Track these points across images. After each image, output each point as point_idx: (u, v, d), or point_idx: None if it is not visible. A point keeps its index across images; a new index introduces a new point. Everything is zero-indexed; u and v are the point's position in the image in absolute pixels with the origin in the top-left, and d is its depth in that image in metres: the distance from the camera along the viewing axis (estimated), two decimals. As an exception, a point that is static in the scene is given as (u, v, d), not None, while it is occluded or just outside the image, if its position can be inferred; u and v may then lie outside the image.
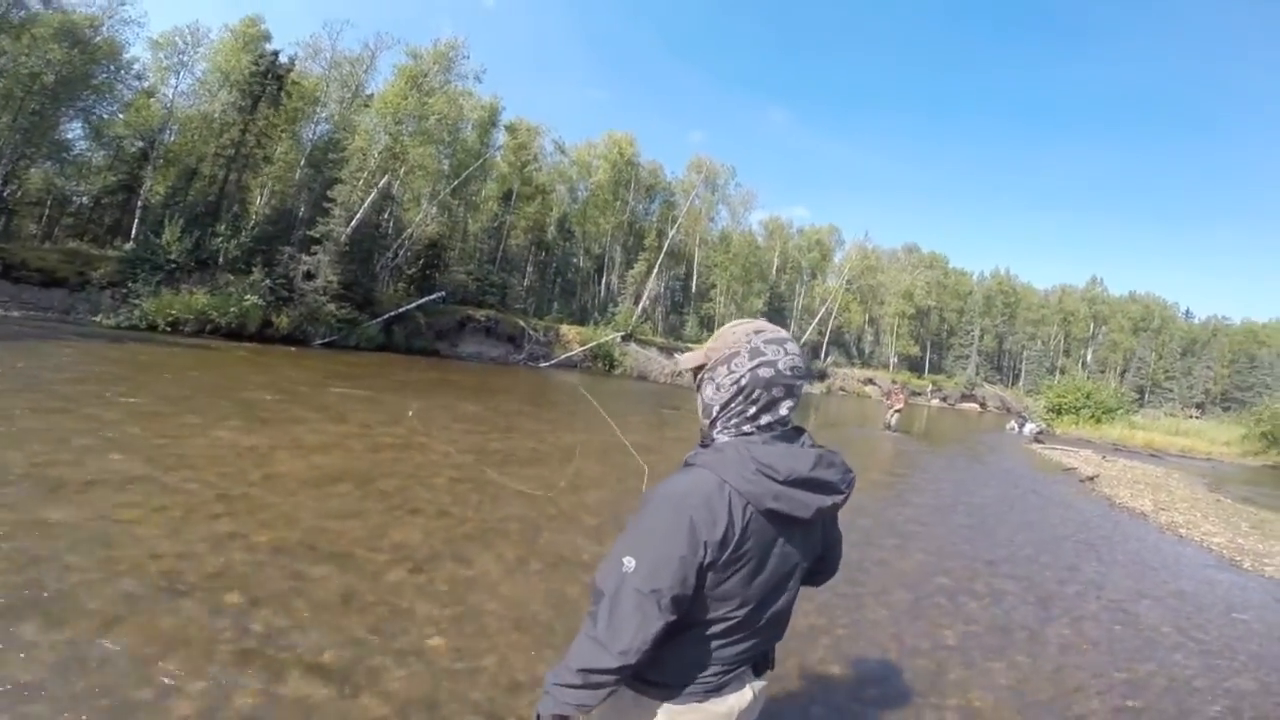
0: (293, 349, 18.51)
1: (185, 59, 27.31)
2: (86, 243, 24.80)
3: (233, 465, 5.36)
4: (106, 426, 5.95)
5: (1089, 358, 66.66)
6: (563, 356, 28.57)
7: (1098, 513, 8.79)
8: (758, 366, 1.17)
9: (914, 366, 56.19)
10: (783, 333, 1.24)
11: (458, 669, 2.74)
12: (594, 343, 29.99)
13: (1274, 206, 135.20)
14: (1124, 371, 64.67)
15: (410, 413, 9.47)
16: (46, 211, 28.29)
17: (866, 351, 57.10)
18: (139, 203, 25.89)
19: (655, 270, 40.06)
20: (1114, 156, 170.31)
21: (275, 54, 25.54)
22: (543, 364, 27.32)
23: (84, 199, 28.84)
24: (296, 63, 26.76)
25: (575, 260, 43.28)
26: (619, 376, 29.29)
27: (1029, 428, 25.06)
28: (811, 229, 54.86)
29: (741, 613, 1.15)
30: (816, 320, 49.55)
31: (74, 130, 25.86)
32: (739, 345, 1.20)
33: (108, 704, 2.19)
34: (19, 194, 24.94)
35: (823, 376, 45.14)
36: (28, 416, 5.94)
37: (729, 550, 1.08)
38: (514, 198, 35.63)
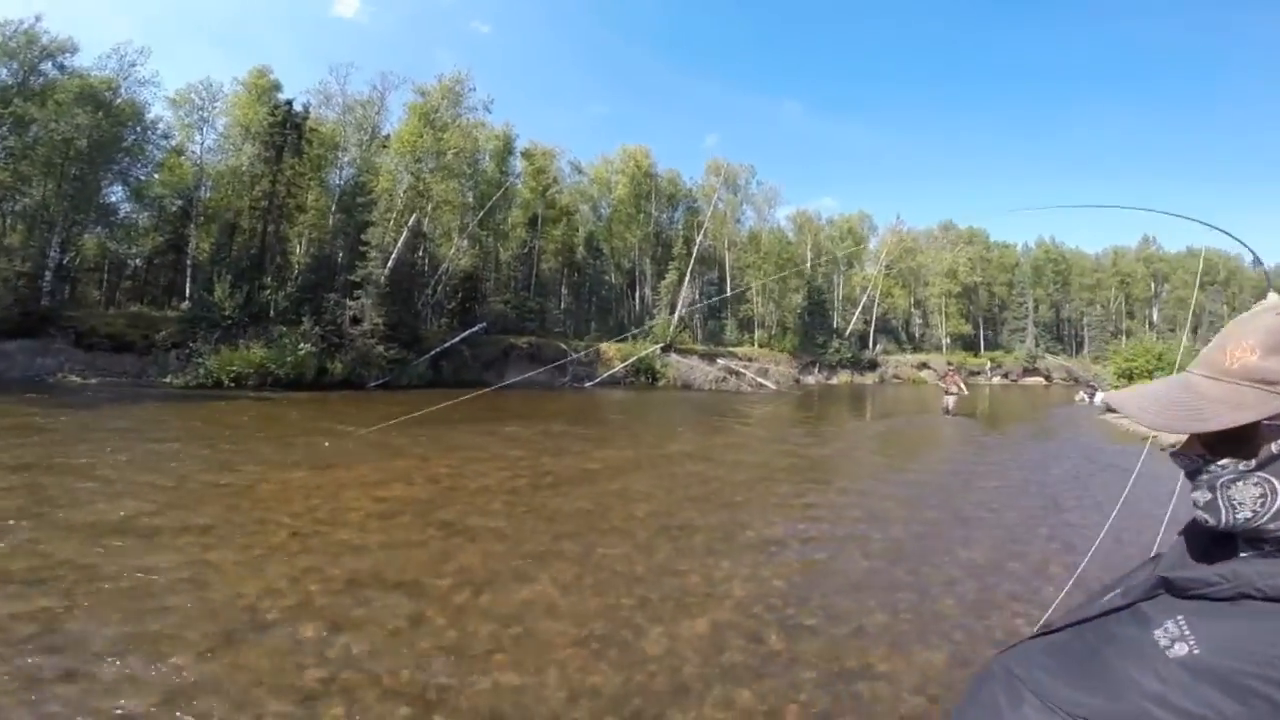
0: (348, 394, 19.25)
1: (205, 115, 28.25)
2: (146, 305, 26.19)
3: (303, 505, 5.64)
4: (187, 479, 6.35)
5: (1155, 317, 63.47)
6: (605, 375, 28.79)
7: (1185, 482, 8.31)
8: None
9: (969, 345, 54.56)
10: None
11: (521, 684, 2.84)
12: (634, 358, 30.12)
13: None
14: (1196, 328, 61.07)
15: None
16: (105, 277, 29.91)
17: (917, 335, 55.89)
18: (188, 261, 27.24)
19: (687, 278, 40.05)
20: (1148, 113, 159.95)
21: (289, 103, 26.32)
22: (587, 384, 27.59)
23: (137, 261, 30.39)
24: (310, 110, 27.61)
25: (607, 278, 43.70)
26: (663, 388, 29.32)
27: (1100, 397, 23.91)
28: (841, 218, 54.05)
29: None
30: (859, 309, 48.66)
31: (116, 194, 26.93)
32: None
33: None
34: (78, 261, 26.18)
35: (874, 365, 44.20)
36: (127, 472, 6.41)
37: None
38: (540, 222, 36.27)
